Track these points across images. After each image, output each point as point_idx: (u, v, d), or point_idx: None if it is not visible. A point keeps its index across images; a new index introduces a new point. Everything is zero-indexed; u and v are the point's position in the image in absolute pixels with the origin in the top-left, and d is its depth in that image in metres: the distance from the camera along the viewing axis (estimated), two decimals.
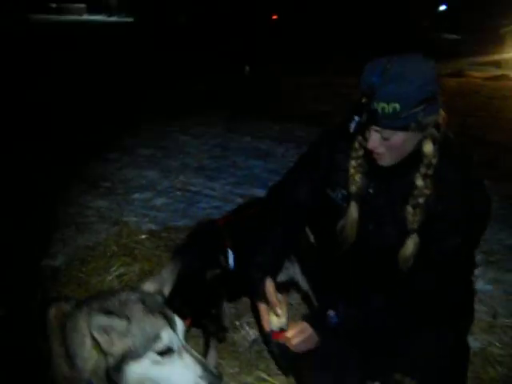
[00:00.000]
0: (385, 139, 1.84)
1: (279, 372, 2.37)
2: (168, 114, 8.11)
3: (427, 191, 1.90)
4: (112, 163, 5.69)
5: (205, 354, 2.44)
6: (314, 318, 2.03)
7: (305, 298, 2.75)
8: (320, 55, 16.56)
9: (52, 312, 1.54)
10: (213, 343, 2.50)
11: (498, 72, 18.45)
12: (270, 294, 2.04)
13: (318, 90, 10.67)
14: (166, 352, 1.47)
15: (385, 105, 1.74)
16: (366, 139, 1.91)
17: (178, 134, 7.06)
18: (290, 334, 1.97)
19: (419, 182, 1.91)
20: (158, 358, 1.46)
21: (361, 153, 2.02)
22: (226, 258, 2.56)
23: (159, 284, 1.67)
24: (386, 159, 1.92)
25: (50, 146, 5.80)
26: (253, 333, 2.71)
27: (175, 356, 1.49)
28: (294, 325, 2.00)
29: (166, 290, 1.69)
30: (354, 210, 2.07)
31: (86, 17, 38.96)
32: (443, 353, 2.04)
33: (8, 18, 28.26)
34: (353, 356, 2.06)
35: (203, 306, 2.44)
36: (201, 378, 1.48)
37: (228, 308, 2.64)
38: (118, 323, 1.41)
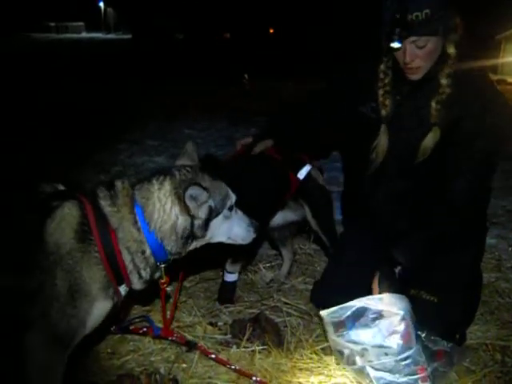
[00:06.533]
0: (420, 48, 2.01)
1: (300, 300, 2.50)
2: (172, 113, 8.33)
3: (449, 90, 2.08)
4: (122, 152, 5.86)
5: None
6: None
7: (316, 237, 2.89)
8: (317, 63, 16.85)
9: (119, 184, 1.67)
10: None
11: (495, 77, 18.80)
12: None
13: None
14: (231, 208, 1.80)
15: (418, 13, 1.93)
16: (392, 61, 2.14)
17: (184, 128, 7.25)
18: None
19: (443, 81, 2.09)
20: (228, 212, 1.78)
21: (387, 80, 2.20)
22: None
23: (190, 158, 1.85)
24: (420, 71, 2.10)
25: (63, 138, 5.98)
26: (269, 275, 2.84)
27: (233, 212, 1.81)
28: None
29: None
30: (384, 132, 2.25)
31: (84, 34, 39.56)
32: (461, 270, 2.17)
33: (9, 37, 28.74)
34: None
35: None
36: (249, 225, 1.86)
37: None
38: (203, 194, 1.64)
